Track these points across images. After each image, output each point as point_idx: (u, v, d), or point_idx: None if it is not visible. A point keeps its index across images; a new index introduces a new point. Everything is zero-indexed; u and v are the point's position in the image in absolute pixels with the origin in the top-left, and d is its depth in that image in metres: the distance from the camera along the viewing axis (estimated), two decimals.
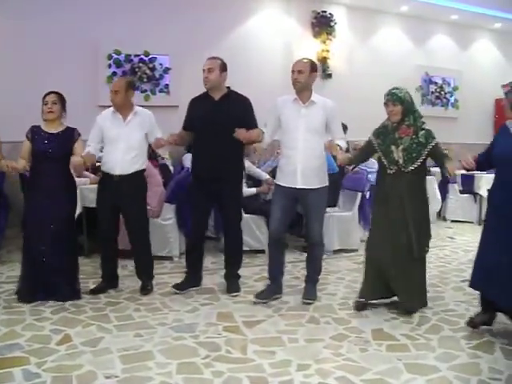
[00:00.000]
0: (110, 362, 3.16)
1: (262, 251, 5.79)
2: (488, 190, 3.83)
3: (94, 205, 4.73)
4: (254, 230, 5.85)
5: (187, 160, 5.80)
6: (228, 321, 3.85)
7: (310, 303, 4.24)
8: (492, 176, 3.69)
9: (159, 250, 5.42)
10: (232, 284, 4.54)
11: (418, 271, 4.11)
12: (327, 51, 8.84)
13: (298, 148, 4.14)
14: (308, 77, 4.19)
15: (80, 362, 3.14)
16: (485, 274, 3.57)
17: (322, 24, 8.84)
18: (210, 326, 3.74)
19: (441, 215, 8.55)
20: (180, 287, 4.47)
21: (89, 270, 5.02)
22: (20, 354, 3.25)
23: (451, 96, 10.34)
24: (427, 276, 4.46)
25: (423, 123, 4.01)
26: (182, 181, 5.43)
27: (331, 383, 2.96)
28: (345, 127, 7.89)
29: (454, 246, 6.63)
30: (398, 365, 3.18)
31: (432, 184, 7.45)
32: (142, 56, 7.58)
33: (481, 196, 8.00)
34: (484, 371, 3.12)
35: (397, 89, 4.08)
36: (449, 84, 10.40)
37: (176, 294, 4.41)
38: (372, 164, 6.77)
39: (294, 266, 5.38)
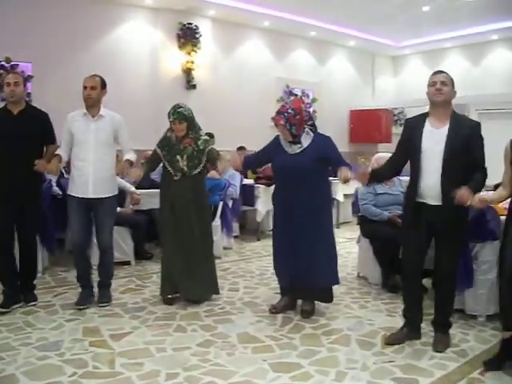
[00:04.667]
0: None
1: (128, 262, 5.79)
2: (272, 194, 4.46)
3: None
4: (119, 242, 5.76)
5: None
6: (94, 335, 3.78)
7: (105, 306, 4.42)
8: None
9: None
10: (28, 297, 4.43)
11: (208, 267, 4.62)
12: (192, 62, 8.95)
13: (89, 160, 4.30)
14: (100, 92, 4.35)
15: None
16: (280, 265, 4.34)
17: (188, 36, 8.94)
18: (76, 342, 3.64)
19: None
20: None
21: None
22: None
23: (310, 107, 10.92)
24: None
25: (201, 134, 4.56)
26: (43, 193, 5.21)
27: None
28: (211, 135, 8.09)
29: None
30: (264, 365, 3.32)
31: None
32: (3, 63, 7.21)
33: (338, 201, 8.52)
34: (342, 363, 3.37)
35: (181, 107, 4.44)
36: (308, 96, 10.99)
37: (39, 312, 4.24)
38: (234, 177, 7.00)
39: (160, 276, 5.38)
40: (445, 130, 3.43)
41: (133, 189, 6.04)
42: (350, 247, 6.95)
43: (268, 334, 3.86)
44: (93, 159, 4.29)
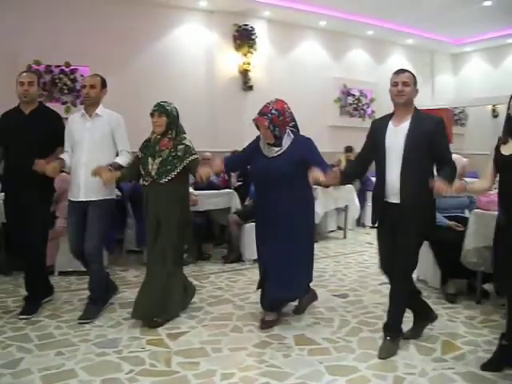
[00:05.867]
0: (30, 383, 3.05)
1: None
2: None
3: None
4: None
5: None
6: (151, 334, 3.83)
7: (83, 323, 4.04)
8: None
9: (79, 264, 5.29)
10: (32, 306, 4.28)
11: (173, 285, 4.10)
12: (248, 64, 9.00)
13: (81, 161, 4.11)
14: (99, 91, 4.22)
15: None
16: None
17: (244, 37, 8.99)
18: (134, 340, 3.70)
19: (360, 222, 8.82)
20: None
21: (9, 289, 4.88)
22: None
23: (368, 107, 10.79)
24: (348, 280, 4.56)
25: (184, 138, 4.11)
26: None
27: None
28: None
29: (372, 252, 6.85)
30: (320, 367, 3.28)
31: (351, 192, 7.69)
32: (63, 67, 7.47)
33: None
34: (400, 368, 3.29)
35: (165, 102, 4.17)
36: (366, 96, 10.83)
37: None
38: None
39: (218, 276, 5.41)
40: (405, 126, 3.44)
41: (191, 190, 6.09)
42: None
43: (325, 336, 3.81)
44: (85, 160, 4.09)
